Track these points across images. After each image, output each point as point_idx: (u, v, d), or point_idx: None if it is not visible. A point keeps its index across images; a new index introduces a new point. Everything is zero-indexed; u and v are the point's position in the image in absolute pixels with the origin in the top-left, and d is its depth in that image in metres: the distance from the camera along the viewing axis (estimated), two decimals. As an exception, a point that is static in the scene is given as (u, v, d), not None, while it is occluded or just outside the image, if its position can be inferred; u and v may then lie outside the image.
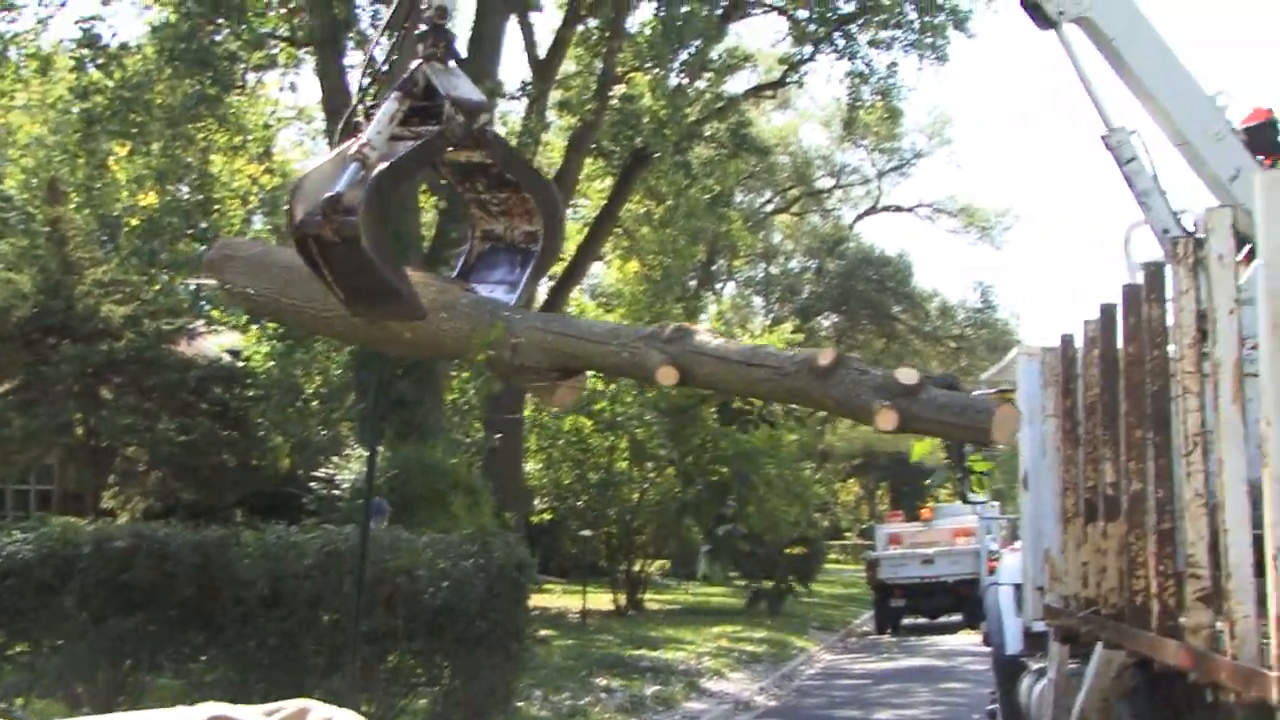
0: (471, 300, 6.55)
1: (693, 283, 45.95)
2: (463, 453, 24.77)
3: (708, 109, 32.13)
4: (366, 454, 19.72)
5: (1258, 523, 4.66)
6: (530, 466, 31.84)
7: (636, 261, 37.04)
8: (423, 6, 6.69)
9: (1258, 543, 4.65)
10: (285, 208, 6.43)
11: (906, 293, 58.60)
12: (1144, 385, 5.99)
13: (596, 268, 40.89)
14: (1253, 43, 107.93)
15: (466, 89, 6.71)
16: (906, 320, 59.22)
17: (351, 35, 26.22)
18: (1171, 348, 5.65)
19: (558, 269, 33.12)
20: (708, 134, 33.01)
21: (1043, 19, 9.59)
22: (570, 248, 33.82)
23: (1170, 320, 5.69)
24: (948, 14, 30.78)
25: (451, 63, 6.84)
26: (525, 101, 28.74)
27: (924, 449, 19.71)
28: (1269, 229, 4.45)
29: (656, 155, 28.69)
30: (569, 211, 34.25)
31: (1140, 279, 10.51)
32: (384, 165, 6.12)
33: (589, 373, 6.50)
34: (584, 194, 34.84)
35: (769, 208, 56.62)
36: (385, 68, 6.93)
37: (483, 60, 25.37)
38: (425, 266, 23.87)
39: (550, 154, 32.62)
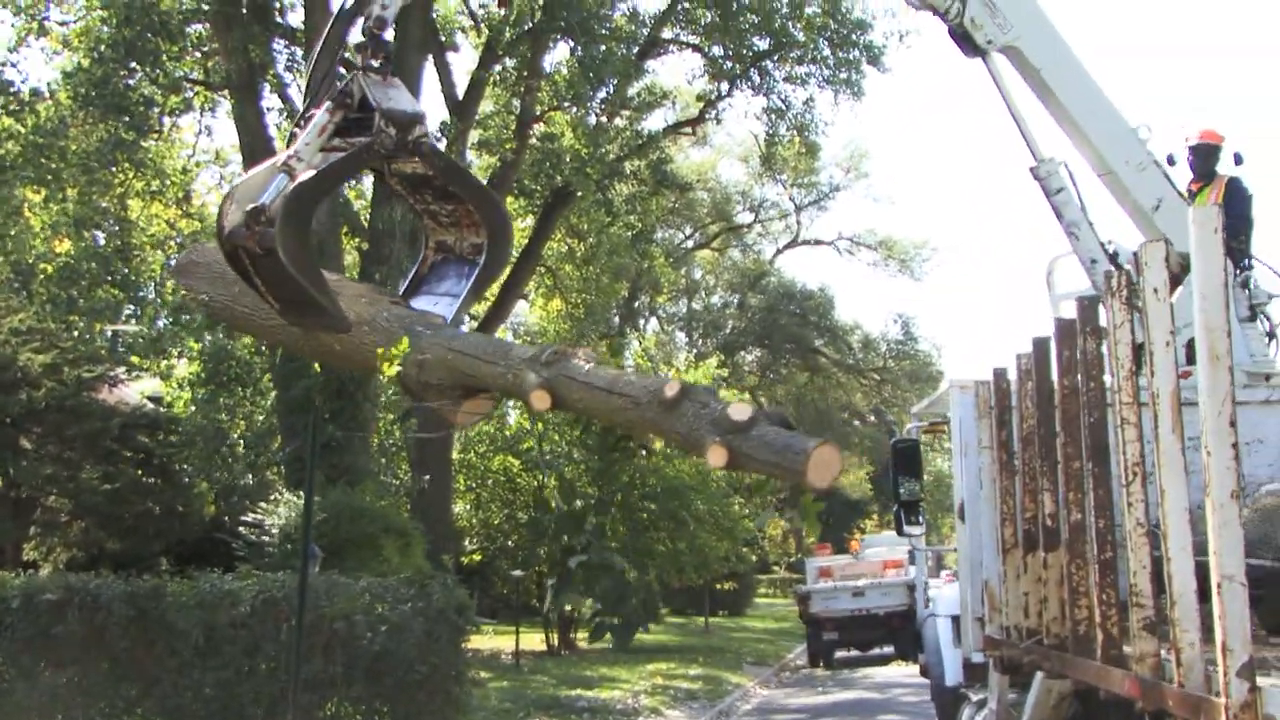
0: (394, 315, 6.55)
1: (616, 320, 46.05)
2: (392, 495, 24.63)
3: (627, 146, 32.28)
4: (295, 499, 19.63)
5: (1199, 549, 4.74)
6: (459, 507, 31.68)
7: (560, 299, 37.07)
8: (363, 17, 6.68)
9: (1200, 569, 4.73)
10: (216, 218, 6.45)
11: (829, 326, 58.99)
12: (1081, 416, 6.08)
13: (520, 306, 40.86)
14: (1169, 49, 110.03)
15: (403, 101, 6.68)
16: (829, 353, 59.60)
17: (268, 78, 26.12)
18: (1108, 379, 5.74)
19: (480, 309, 33.11)
20: (628, 171, 33.16)
21: (971, 47, 9.76)
22: (494, 287, 33.80)
23: (1105, 352, 5.78)
24: (862, 50, 31.20)
25: (393, 75, 6.80)
26: (444, 142, 28.73)
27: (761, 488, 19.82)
28: (1202, 265, 4.56)
29: (578, 193, 28.80)
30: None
31: (1063, 311, 10.76)
32: (303, 177, 6.10)
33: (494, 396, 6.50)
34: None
35: (690, 244, 56.91)
36: (322, 81, 6.92)
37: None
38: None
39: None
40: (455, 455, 31.48)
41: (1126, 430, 5.32)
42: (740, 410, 4.86)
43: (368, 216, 26.77)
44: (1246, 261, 9.66)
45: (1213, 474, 4.47)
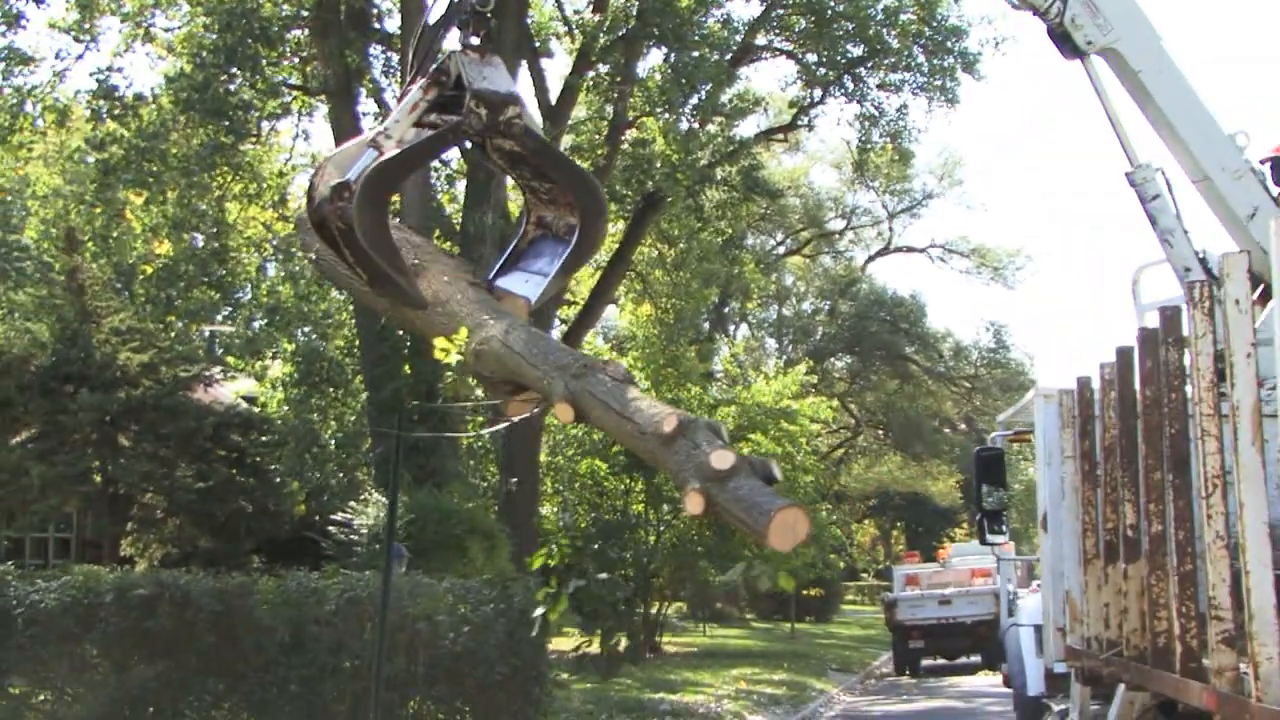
0: (468, 298, 6.53)
1: (706, 325, 46.06)
2: (479, 497, 24.83)
3: (719, 152, 32.28)
4: (384, 499, 19.84)
5: (1279, 564, 4.70)
6: (546, 510, 31.84)
7: (649, 304, 37.13)
8: None
9: (1279, 584, 4.69)
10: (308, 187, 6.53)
11: (919, 334, 58.61)
12: (1162, 427, 6.03)
13: (610, 311, 40.97)
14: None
15: (499, 81, 6.60)
16: (920, 361, 59.19)
17: (364, 83, 26.44)
18: (1189, 390, 5.68)
19: (570, 312, 33.26)
20: (719, 177, 33.17)
21: (1070, 49, 9.66)
22: (583, 291, 33.96)
23: (1187, 363, 5.73)
24: (956, 57, 30.95)
25: (492, 54, 6.73)
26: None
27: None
28: (1283, 273, 4.51)
29: (668, 199, 28.84)
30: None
31: (1147, 321, 10.65)
32: (386, 156, 6.13)
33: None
34: (596, 238, 34.92)
35: (780, 250, 56.77)
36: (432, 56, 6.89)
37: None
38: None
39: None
40: (543, 458, 31.64)
41: (1207, 442, 5.26)
42: (722, 459, 4.81)
43: (459, 220, 27.00)
44: None
45: (1292, 486, 4.43)
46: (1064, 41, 9.70)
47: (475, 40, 6.68)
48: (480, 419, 28.43)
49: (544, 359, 5.78)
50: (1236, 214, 9.47)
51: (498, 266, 7.18)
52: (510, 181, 29.07)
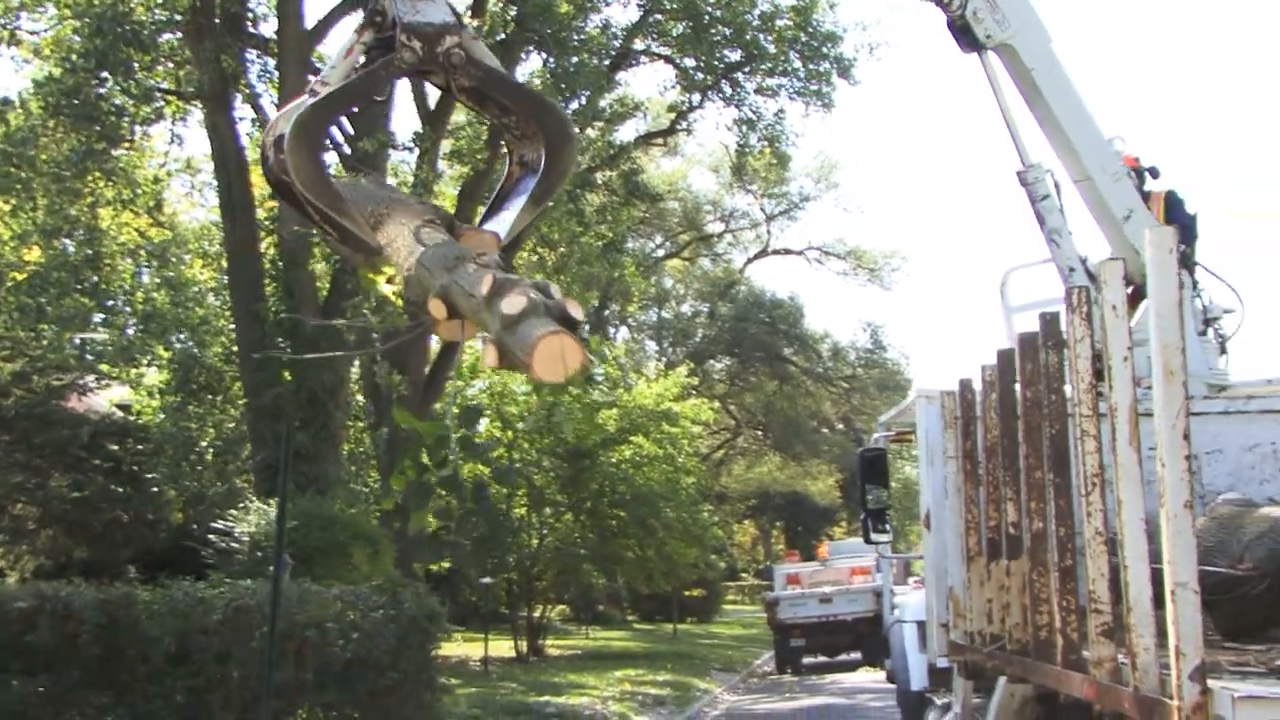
0: (412, 235, 6.40)
1: (586, 328, 46.10)
2: (361, 503, 24.67)
3: (599, 157, 32.39)
4: (265, 506, 19.67)
5: (1155, 557, 4.90)
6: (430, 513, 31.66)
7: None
8: None
9: (1156, 576, 4.89)
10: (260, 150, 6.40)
11: (798, 335, 59.24)
12: (1043, 428, 6.23)
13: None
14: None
15: (434, 13, 6.42)
16: (798, 362, 59.83)
17: (240, 88, 26.14)
18: (1068, 391, 5.89)
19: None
20: (600, 181, 33.27)
21: (969, 42, 9.89)
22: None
23: (1066, 365, 5.92)
24: (832, 62, 31.41)
25: None
26: (416, 153, 28.80)
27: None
28: (1158, 283, 4.71)
29: (549, 204, 28.83)
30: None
31: (1015, 322, 10.95)
32: (311, 103, 5.85)
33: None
34: (477, 242, 34.87)
35: (660, 253, 57.07)
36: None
37: (373, 113, 25.43)
38: (322, 317, 23.90)
39: (442, 203, 32.66)
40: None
41: (1086, 442, 5.47)
42: (512, 304, 4.64)
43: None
44: (1194, 275, 9.86)
45: (1167, 485, 4.63)
46: (963, 34, 9.92)
47: None
48: (361, 425, 28.31)
49: (439, 263, 5.68)
50: (1114, 215, 9.79)
51: (486, 212, 6.99)
52: (391, 183, 29.05)
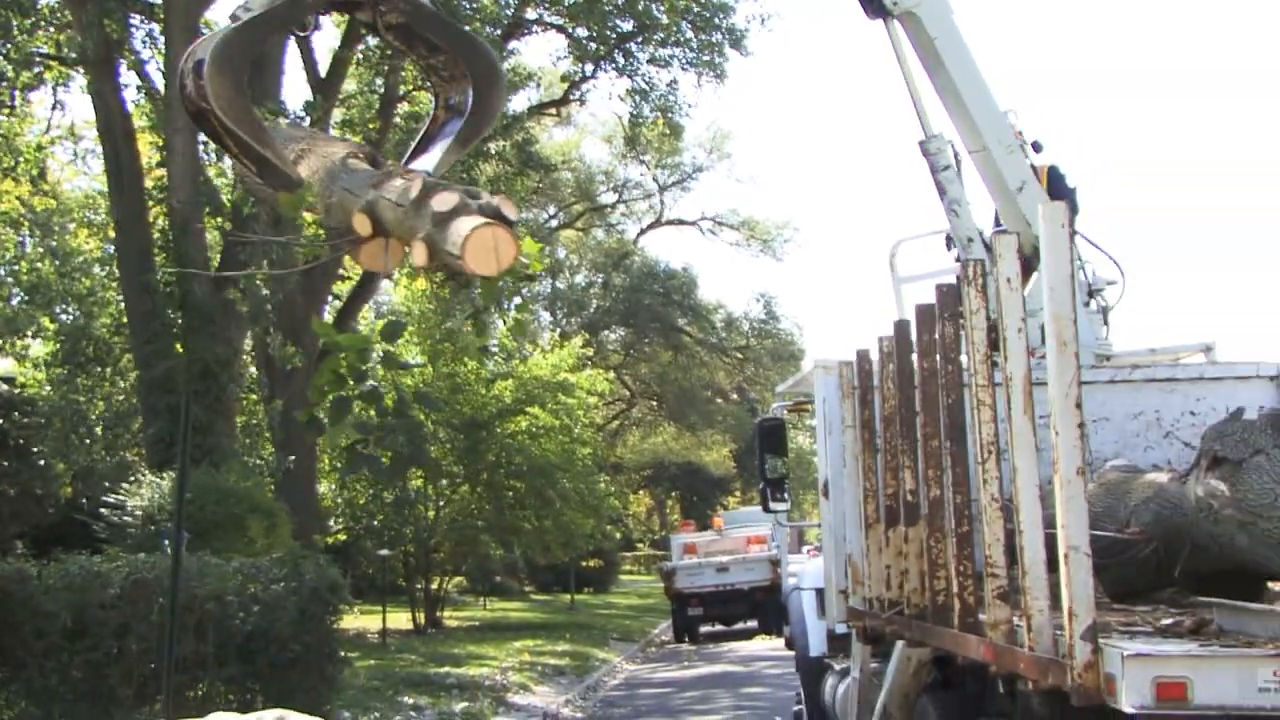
0: (333, 166, 6.24)
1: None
2: (257, 475, 24.48)
3: (492, 127, 32.28)
4: (155, 480, 19.46)
5: (1049, 523, 5.07)
6: (324, 487, 31.55)
7: (424, 279, 36.96)
8: None
9: (1050, 541, 5.07)
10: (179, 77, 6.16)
11: (692, 306, 59.47)
12: (939, 398, 6.40)
13: (385, 286, 40.65)
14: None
15: None
16: (693, 333, 60.09)
17: (125, 54, 25.67)
18: (964, 361, 6.05)
19: (344, 288, 32.92)
20: (493, 152, 33.16)
21: (875, 8, 9.99)
22: (357, 266, 33.59)
23: (963, 336, 6.08)
24: (724, 33, 31.58)
25: None
26: (308, 121, 28.51)
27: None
28: (1051, 257, 4.87)
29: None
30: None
31: (904, 293, 11.16)
32: (232, 27, 5.71)
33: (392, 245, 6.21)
34: (371, 212, 34.64)
35: (554, 223, 56.95)
36: None
37: (264, 81, 25.12)
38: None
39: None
40: (321, 437, 31.32)
41: (982, 411, 5.64)
42: (444, 200, 4.60)
43: (230, 195, 26.47)
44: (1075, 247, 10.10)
45: (1060, 452, 4.80)
46: (870, 1, 10.02)
47: None
48: (255, 397, 28.06)
49: (363, 181, 5.54)
50: (1008, 186, 9.99)
51: (408, 155, 6.66)
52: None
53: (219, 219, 26.25)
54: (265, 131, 5.86)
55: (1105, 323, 10.31)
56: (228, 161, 28.60)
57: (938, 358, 6.45)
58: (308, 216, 5.91)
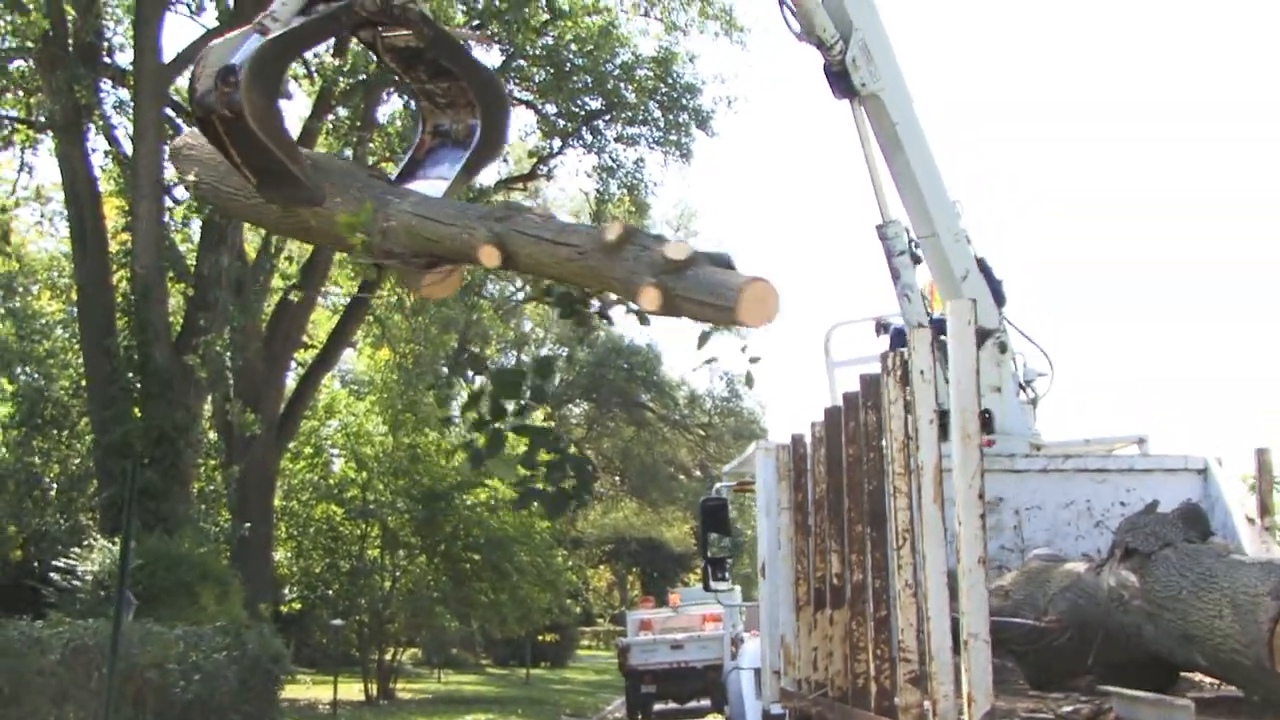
0: (367, 185, 5.91)
1: (444, 370, 46.05)
2: (211, 542, 24.40)
3: (460, 200, 32.46)
4: (110, 545, 19.37)
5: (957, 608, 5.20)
6: (280, 555, 31.44)
7: (388, 349, 37.08)
8: None
9: (955, 626, 5.19)
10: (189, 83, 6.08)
11: (655, 382, 59.60)
12: (863, 483, 6.55)
13: (348, 355, 40.71)
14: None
15: None
16: (655, 409, 60.20)
17: (94, 119, 25.81)
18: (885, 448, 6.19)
19: (307, 355, 32.97)
20: (460, 224, 33.33)
21: (844, 89, 10.22)
22: (321, 334, 33.71)
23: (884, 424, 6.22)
24: (691, 114, 31.98)
25: None
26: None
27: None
28: (957, 352, 5.03)
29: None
30: (320, 298, 34.15)
31: (837, 377, 11.35)
32: (270, 38, 5.67)
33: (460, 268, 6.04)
34: (335, 281, 34.81)
35: (520, 296, 57.12)
36: None
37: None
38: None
39: (302, 242, 32.52)
40: (277, 503, 31.27)
41: (898, 498, 5.78)
42: (677, 249, 4.59)
43: (194, 261, 26.57)
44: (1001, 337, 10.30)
45: (963, 541, 4.94)
46: (839, 80, 10.25)
47: None
48: (213, 463, 27.99)
49: (460, 216, 5.48)
50: (954, 273, 10.20)
51: (397, 177, 6.57)
52: (248, 225, 28.82)
53: (182, 284, 26.34)
54: (295, 146, 5.84)
55: (1035, 406, 10.52)
56: (194, 225, 28.77)
57: (861, 444, 6.59)
58: (350, 236, 5.81)
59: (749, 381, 5.50)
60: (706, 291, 4.48)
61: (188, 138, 7.12)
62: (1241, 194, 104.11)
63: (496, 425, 6.06)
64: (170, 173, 26.81)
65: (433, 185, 6.31)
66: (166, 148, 25.21)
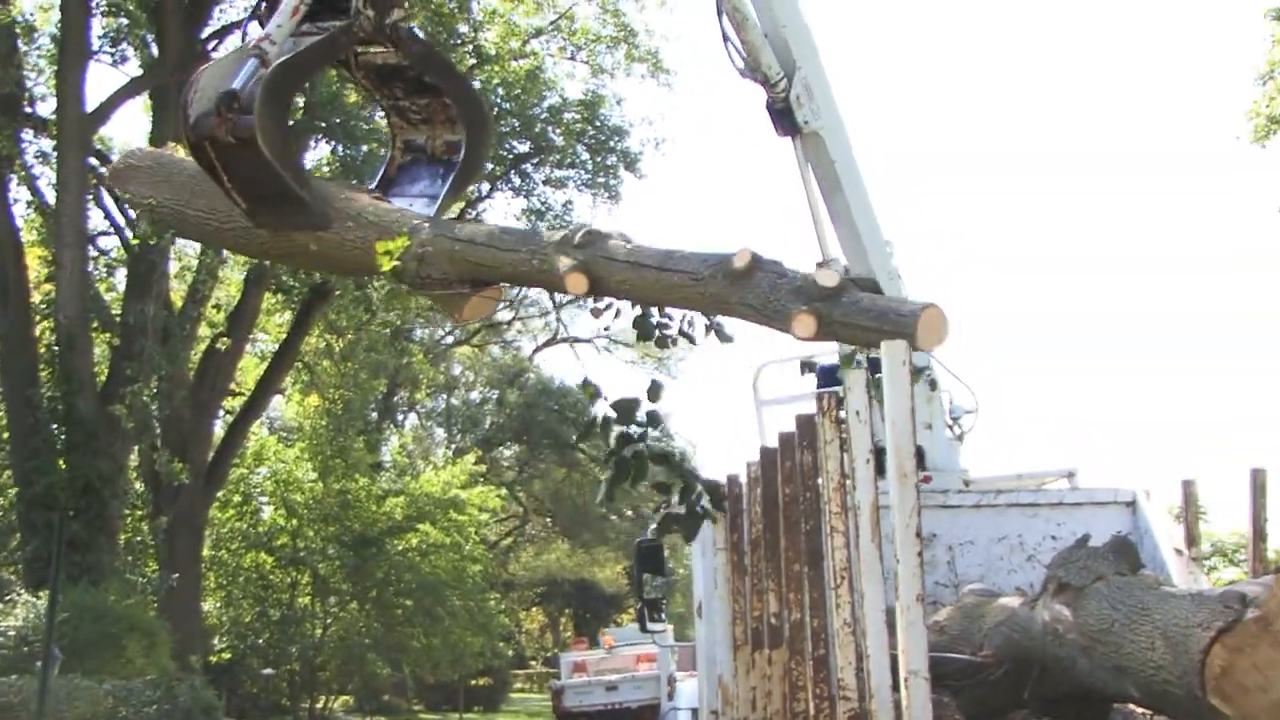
0: (380, 208, 5.99)
1: (374, 415, 45.84)
2: (138, 594, 24.08)
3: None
4: (31, 599, 19.06)
5: (895, 646, 5.23)
6: (209, 605, 31.07)
7: (317, 395, 36.87)
8: None
9: (895, 664, 5.22)
10: (179, 109, 5.74)
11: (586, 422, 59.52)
12: (800, 523, 6.58)
13: (277, 401, 40.40)
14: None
15: None
16: (587, 450, 60.12)
17: (16, 170, 25.52)
18: (821, 486, 6.23)
19: (235, 403, 32.68)
20: (389, 269, 33.24)
21: (786, 126, 10.29)
22: (250, 381, 33.44)
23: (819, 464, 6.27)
24: (619, 156, 32.16)
25: None
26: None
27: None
28: (892, 393, 5.08)
29: (337, 291, 28.78)
30: (248, 345, 33.90)
31: (765, 416, 11.42)
32: (280, 61, 5.60)
33: (503, 286, 6.04)
34: (263, 329, 34.59)
35: (449, 340, 57.01)
36: None
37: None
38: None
39: (229, 289, 32.32)
40: (206, 552, 30.91)
41: (835, 538, 5.82)
42: (829, 277, 4.56)
43: (119, 310, 26.29)
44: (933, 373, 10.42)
45: (902, 580, 4.98)
46: (782, 117, 10.32)
47: None
48: (140, 513, 27.63)
49: (525, 242, 5.40)
50: None
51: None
52: (174, 269, 28.60)
53: (107, 334, 26.07)
54: (303, 170, 5.76)
55: (960, 449, 10.64)
56: (119, 275, 28.49)
57: (798, 484, 6.63)
58: (385, 264, 5.69)
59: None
60: (873, 316, 4.52)
61: (130, 160, 6.97)
62: (1165, 250, 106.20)
63: (627, 452, 6.00)
64: (94, 222, 26.68)
65: (419, 203, 6.28)
66: (89, 195, 25.11)
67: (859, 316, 4.57)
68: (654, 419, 6.09)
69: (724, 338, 5.35)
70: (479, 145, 6.42)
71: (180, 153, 6.33)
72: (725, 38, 9.75)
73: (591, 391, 6.25)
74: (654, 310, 5.48)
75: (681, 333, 5.65)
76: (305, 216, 5.75)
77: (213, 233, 6.39)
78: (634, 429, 5.95)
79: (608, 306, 5.56)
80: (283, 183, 5.58)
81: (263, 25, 5.96)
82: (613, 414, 5.96)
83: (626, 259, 5.08)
